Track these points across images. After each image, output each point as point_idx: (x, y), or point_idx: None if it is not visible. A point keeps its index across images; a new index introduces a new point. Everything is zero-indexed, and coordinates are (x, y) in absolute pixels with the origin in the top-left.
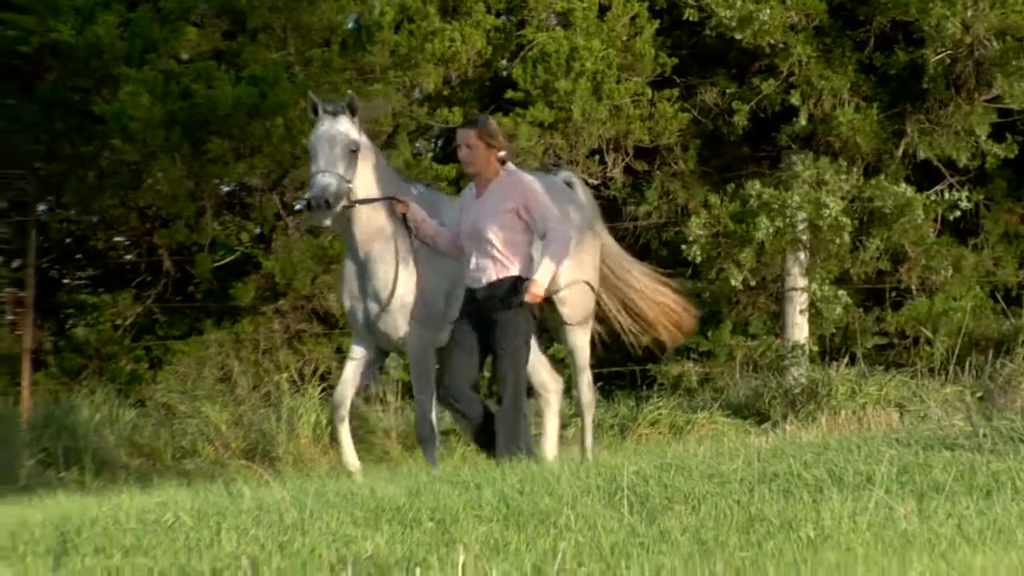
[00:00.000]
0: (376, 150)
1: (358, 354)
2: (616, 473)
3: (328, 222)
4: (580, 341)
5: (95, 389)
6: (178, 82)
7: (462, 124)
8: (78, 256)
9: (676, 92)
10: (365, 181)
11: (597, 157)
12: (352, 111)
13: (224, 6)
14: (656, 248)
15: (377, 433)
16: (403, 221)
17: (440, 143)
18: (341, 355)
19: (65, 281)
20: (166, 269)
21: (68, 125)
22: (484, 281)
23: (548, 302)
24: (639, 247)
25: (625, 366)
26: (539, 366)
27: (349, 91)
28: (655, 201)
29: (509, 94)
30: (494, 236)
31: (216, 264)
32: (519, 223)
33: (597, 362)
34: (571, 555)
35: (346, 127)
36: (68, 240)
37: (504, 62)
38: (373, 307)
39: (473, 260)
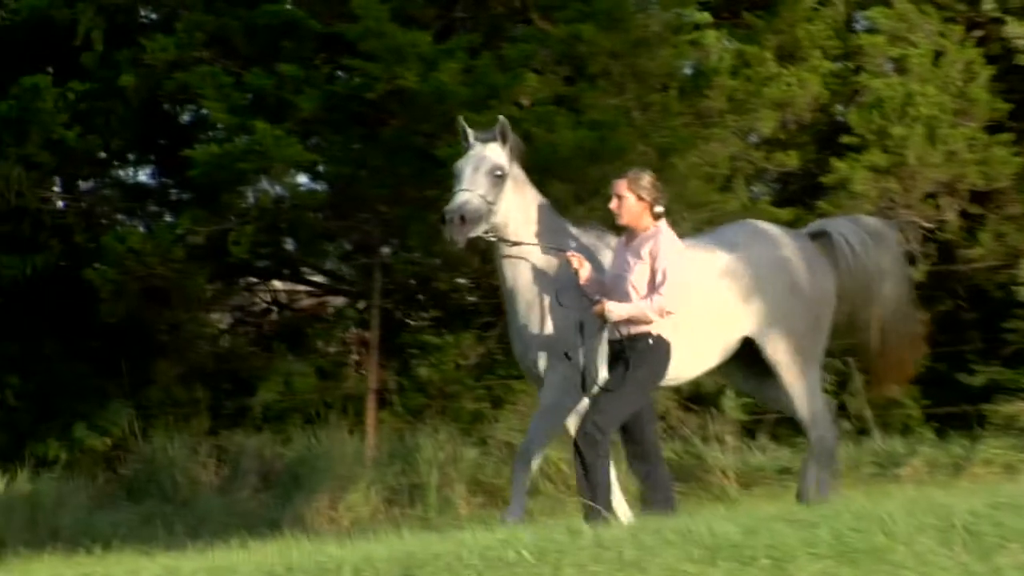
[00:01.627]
0: (531, 186)
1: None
2: (949, 511)
3: (462, 242)
4: (796, 388)
5: (438, 428)
6: (519, 126)
7: (620, 175)
8: (421, 297)
9: (1010, 136)
10: (516, 215)
11: (931, 200)
12: (503, 138)
13: (564, 53)
14: (991, 290)
15: (715, 472)
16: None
17: (777, 187)
18: (679, 396)
19: (409, 322)
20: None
21: (412, 169)
22: (624, 332)
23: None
24: (973, 289)
25: (958, 406)
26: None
27: (501, 117)
28: (989, 243)
29: (844, 139)
30: (632, 289)
31: None
32: (651, 277)
33: (933, 401)
34: None
35: (494, 152)
36: (412, 281)
37: (840, 107)
38: (518, 347)
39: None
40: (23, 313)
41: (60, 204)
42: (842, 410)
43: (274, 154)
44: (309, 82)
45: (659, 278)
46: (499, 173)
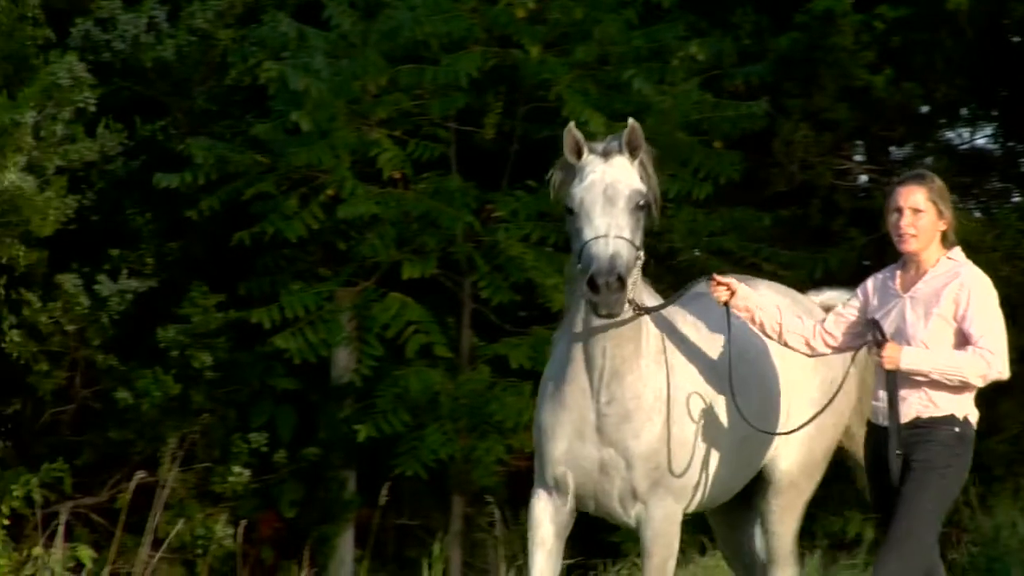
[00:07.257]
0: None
1: None
2: None
3: (621, 313)
4: (784, 521)
5: None
6: None
7: (903, 179)
8: None
9: None
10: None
11: None
12: (632, 150)
13: None
14: None
15: None
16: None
17: None
18: None
19: None
20: None
21: None
22: (903, 417)
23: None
24: None
25: None
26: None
27: (631, 119)
28: None
29: None
30: None
31: None
32: (955, 338)
33: None
34: None
35: (626, 173)
36: None
37: None
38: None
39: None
40: None
41: (863, 179)
42: None
43: None
44: None
45: (983, 323)
46: (641, 203)
